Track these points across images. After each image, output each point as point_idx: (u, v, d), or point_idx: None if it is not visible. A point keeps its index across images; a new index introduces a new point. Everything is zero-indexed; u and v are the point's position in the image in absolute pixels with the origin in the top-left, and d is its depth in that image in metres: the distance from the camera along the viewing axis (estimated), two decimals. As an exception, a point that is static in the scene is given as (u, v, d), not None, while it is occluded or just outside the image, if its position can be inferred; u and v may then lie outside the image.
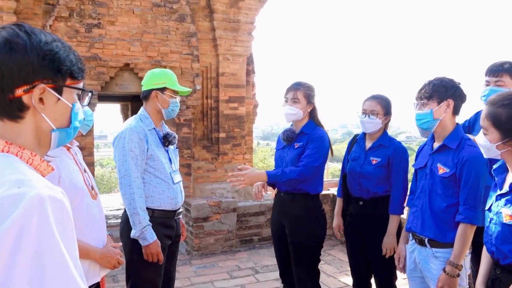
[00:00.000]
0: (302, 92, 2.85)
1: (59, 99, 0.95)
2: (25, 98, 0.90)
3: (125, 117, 9.99)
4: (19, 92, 0.89)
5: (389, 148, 2.81)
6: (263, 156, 20.85)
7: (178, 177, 2.74)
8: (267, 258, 4.96)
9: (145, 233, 2.47)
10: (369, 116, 2.81)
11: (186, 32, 6.37)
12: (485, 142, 1.70)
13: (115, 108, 10.55)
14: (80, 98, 1.02)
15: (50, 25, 5.58)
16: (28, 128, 0.93)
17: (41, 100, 0.92)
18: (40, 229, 0.77)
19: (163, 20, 6.23)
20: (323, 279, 3.38)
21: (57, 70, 0.93)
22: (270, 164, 19.78)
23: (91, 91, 1.05)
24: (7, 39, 0.88)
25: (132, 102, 9.24)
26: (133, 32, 6.05)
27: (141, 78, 6.16)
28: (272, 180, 2.77)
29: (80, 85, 1.01)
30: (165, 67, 6.19)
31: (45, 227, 0.77)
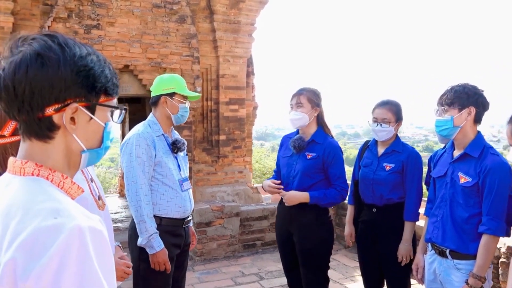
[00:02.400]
0: (305, 96, 2.81)
1: (91, 118, 0.87)
2: (56, 118, 0.82)
3: (123, 119, 9.88)
4: (49, 111, 0.81)
5: (402, 153, 2.77)
6: (259, 157, 20.72)
7: (187, 185, 2.68)
8: (271, 263, 4.90)
9: (152, 241, 2.41)
10: (381, 124, 2.76)
11: (186, 33, 6.28)
12: None
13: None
14: (112, 114, 0.95)
15: (48, 26, 5.46)
16: (58, 148, 0.85)
17: (72, 119, 0.84)
18: (80, 263, 0.70)
19: (163, 21, 6.14)
20: (329, 285, 3.33)
21: (91, 87, 0.85)
22: (266, 165, 19.65)
23: (125, 108, 0.97)
24: (38, 52, 0.80)
25: (130, 104, 9.14)
26: (132, 34, 5.95)
27: (140, 80, 6.07)
28: (314, 201, 2.75)
29: (114, 101, 0.94)
30: (165, 69, 6.10)
31: (86, 261, 0.71)
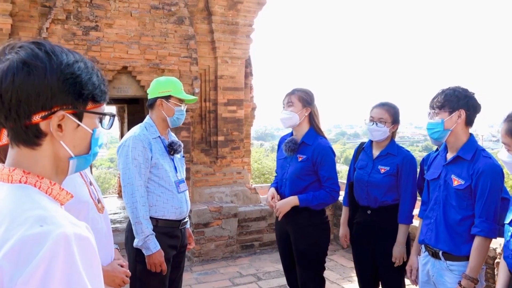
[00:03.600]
0: (296, 96, 2.82)
1: (79, 125, 0.88)
2: (43, 125, 0.83)
3: (121, 119, 9.90)
4: (36, 118, 0.82)
5: (397, 156, 2.78)
6: (258, 157, 20.78)
7: (183, 186, 2.69)
8: (268, 264, 4.91)
9: (148, 242, 2.43)
10: (376, 124, 2.77)
11: (184, 34, 6.30)
12: (508, 158, 1.66)
13: (111, 110, 10.46)
14: (102, 121, 0.95)
15: (47, 28, 5.48)
16: (46, 155, 0.86)
17: (59, 126, 0.85)
18: (66, 271, 0.71)
19: (161, 22, 6.15)
20: (326, 286, 3.35)
21: (78, 94, 0.86)
22: (265, 165, 19.72)
23: (113, 115, 0.99)
24: (25, 61, 0.80)
25: (129, 105, 9.17)
26: (131, 35, 5.97)
27: (139, 82, 6.09)
28: (304, 204, 2.77)
29: (102, 108, 0.94)
30: (163, 70, 6.11)
31: (72, 268, 0.72)
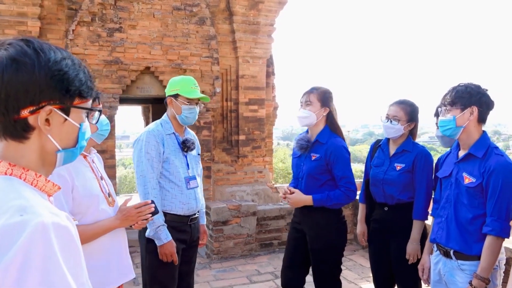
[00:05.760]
0: (315, 95, 2.81)
1: (66, 119, 0.91)
2: (31, 119, 0.86)
3: (146, 119, 10.09)
4: (24, 113, 0.85)
5: (412, 152, 2.75)
6: (283, 156, 20.76)
7: (194, 183, 2.74)
8: (287, 262, 4.91)
9: (159, 232, 2.51)
10: (391, 121, 2.75)
11: (206, 35, 6.38)
12: None
13: (137, 109, 10.68)
14: (89, 115, 0.99)
15: (73, 30, 5.66)
16: (33, 148, 0.89)
17: (47, 121, 0.88)
18: (44, 259, 0.73)
19: (183, 23, 6.25)
20: (344, 285, 3.32)
21: (65, 90, 0.89)
22: (290, 164, 19.65)
23: (99, 110, 1.02)
24: (14, 58, 0.84)
25: (153, 105, 9.33)
26: (153, 36, 6.08)
27: (161, 82, 6.20)
28: (318, 204, 2.74)
29: (89, 103, 0.98)
30: (185, 70, 6.21)
31: (50, 256, 0.74)
